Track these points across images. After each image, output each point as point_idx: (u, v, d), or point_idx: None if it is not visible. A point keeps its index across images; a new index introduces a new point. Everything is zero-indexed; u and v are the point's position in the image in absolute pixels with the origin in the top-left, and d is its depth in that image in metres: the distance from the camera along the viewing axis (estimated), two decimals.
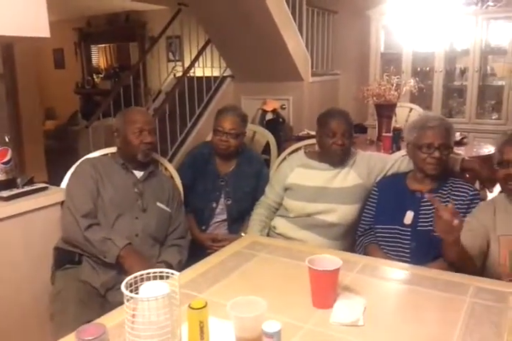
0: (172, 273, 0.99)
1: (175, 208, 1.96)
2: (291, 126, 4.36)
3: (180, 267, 1.73)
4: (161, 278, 1.02)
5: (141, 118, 1.91)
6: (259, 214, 2.11)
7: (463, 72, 4.54)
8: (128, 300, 0.95)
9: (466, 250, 1.49)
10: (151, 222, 1.85)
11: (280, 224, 2.08)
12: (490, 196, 1.86)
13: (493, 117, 4.44)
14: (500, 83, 4.38)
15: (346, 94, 5.09)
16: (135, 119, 1.90)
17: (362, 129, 4.57)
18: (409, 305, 1.31)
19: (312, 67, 4.71)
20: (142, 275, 1.00)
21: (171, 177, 2.15)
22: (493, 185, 1.86)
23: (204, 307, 0.94)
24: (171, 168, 2.20)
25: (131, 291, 0.97)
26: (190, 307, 0.94)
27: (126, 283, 0.97)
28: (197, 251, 1.98)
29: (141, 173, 1.93)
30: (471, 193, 1.77)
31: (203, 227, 2.22)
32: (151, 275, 1.00)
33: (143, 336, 0.93)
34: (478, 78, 4.39)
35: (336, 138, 1.97)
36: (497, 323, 1.16)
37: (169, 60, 6.30)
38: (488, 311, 1.22)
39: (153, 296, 0.91)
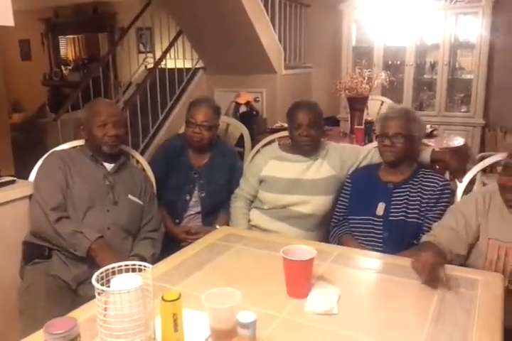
0: (145, 266, 0.97)
1: (147, 201, 1.93)
2: (265, 119, 4.35)
3: (154, 260, 1.70)
4: (134, 271, 1.00)
5: (106, 110, 1.86)
6: (239, 207, 2.11)
7: (433, 65, 4.62)
8: (99, 294, 0.93)
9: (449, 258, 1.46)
10: (123, 214, 1.82)
11: (255, 216, 2.08)
12: (460, 186, 1.90)
13: (462, 110, 4.53)
14: (468, 77, 4.48)
15: (319, 87, 5.10)
16: (99, 112, 1.85)
17: (335, 122, 4.60)
18: (383, 293, 1.33)
19: (285, 60, 4.70)
20: (114, 268, 0.98)
21: (143, 169, 2.11)
22: (463, 176, 1.91)
23: (177, 299, 0.93)
24: (143, 161, 2.16)
25: (102, 284, 0.95)
26: (163, 299, 0.93)
27: (97, 276, 0.95)
28: (171, 244, 1.95)
29: (112, 165, 1.89)
30: (441, 184, 1.80)
31: (177, 220, 2.19)
32: (123, 268, 0.98)
33: (115, 329, 0.91)
34: (448, 72, 4.47)
35: (302, 130, 1.99)
36: (468, 310, 1.19)
37: (140, 52, 6.19)
38: (459, 298, 1.25)
39: (125, 289, 0.89)
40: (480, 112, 4.36)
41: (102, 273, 0.97)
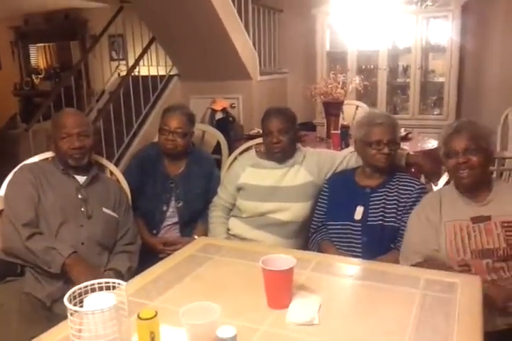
0: (119, 283, 0.94)
1: (122, 213, 1.89)
2: (242, 125, 4.33)
3: (131, 274, 1.67)
4: (108, 288, 0.97)
5: (69, 121, 1.81)
6: (217, 216, 2.08)
7: (405, 69, 4.69)
8: (72, 314, 0.89)
9: None
10: (98, 228, 1.77)
11: (234, 225, 2.06)
12: (435, 189, 1.92)
13: (435, 113, 4.61)
14: (441, 80, 4.56)
15: (295, 93, 5.12)
16: (62, 124, 1.81)
17: (311, 127, 4.62)
18: (363, 300, 1.32)
19: (260, 66, 4.71)
20: (87, 286, 0.95)
21: (117, 180, 2.07)
22: (438, 179, 1.93)
23: (154, 316, 0.90)
24: (117, 171, 2.12)
25: (75, 304, 0.91)
26: (139, 317, 0.90)
27: (70, 295, 0.91)
28: (148, 256, 1.91)
29: (84, 178, 1.84)
30: (417, 187, 1.82)
31: (154, 231, 2.15)
32: (96, 286, 0.95)
33: None
34: (420, 75, 4.54)
35: (272, 137, 1.98)
36: (448, 313, 1.19)
37: (112, 59, 6.11)
38: (438, 302, 1.25)
39: (98, 309, 0.86)
40: (453, 114, 4.44)
41: (74, 292, 0.93)
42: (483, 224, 1.56)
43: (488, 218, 1.57)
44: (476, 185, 1.60)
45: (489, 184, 1.63)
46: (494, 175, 2.24)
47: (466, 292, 1.30)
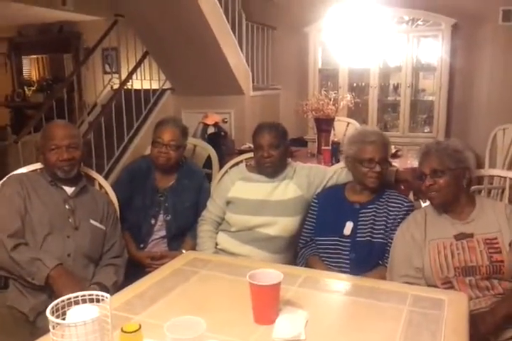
0: (103, 296, 0.93)
1: (110, 226, 1.87)
2: (233, 140, 4.35)
3: (116, 288, 1.64)
4: (92, 301, 0.96)
5: (58, 133, 1.80)
6: (206, 231, 2.07)
7: (396, 87, 4.76)
8: (54, 327, 0.87)
9: None
10: (84, 240, 1.75)
11: (222, 239, 2.04)
12: (423, 206, 1.93)
13: (425, 130, 4.66)
14: (431, 98, 4.62)
15: (287, 108, 5.16)
16: (52, 135, 1.80)
17: (303, 143, 4.65)
18: (350, 316, 1.31)
19: (253, 82, 4.75)
20: (70, 299, 0.93)
21: (106, 193, 2.06)
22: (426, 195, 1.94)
23: (137, 330, 0.88)
24: (106, 184, 2.10)
25: (58, 317, 0.90)
26: (122, 331, 0.88)
27: (53, 307, 0.90)
28: (135, 270, 1.89)
29: (72, 189, 1.83)
30: (406, 204, 1.83)
31: (141, 245, 2.13)
32: (80, 298, 0.93)
33: None
34: (411, 93, 4.60)
35: (263, 151, 1.99)
36: (434, 331, 1.18)
37: (105, 72, 6.12)
38: (425, 319, 1.24)
39: (81, 321, 0.84)
40: (442, 132, 4.49)
41: (57, 304, 0.92)
42: (466, 241, 1.57)
43: (471, 235, 1.57)
44: (449, 204, 1.62)
45: (472, 202, 1.65)
46: (482, 193, 2.26)
47: (453, 309, 1.30)
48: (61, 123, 1.96)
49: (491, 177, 3.30)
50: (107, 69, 6.18)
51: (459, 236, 1.58)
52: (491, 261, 1.52)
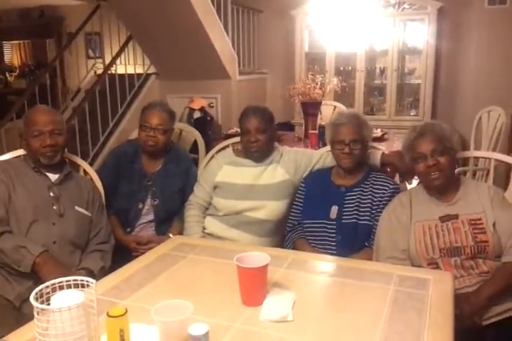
0: (88, 281, 0.92)
1: (96, 212, 1.86)
2: (220, 125, 4.32)
3: (104, 273, 1.64)
4: (77, 286, 0.95)
5: (41, 119, 1.77)
6: (193, 215, 2.06)
7: (382, 71, 4.75)
8: (38, 313, 0.87)
9: None
10: (70, 227, 1.73)
11: (210, 223, 2.04)
12: (409, 188, 1.94)
13: (411, 114, 4.68)
14: (417, 81, 4.64)
15: (274, 93, 5.14)
16: (34, 121, 1.77)
17: (290, 127, 4.64)
18: (337, 296, 1.33)
19: (239, 66, 4.70)
20: (55, 284, 0.92)
21: (91, 179, 2.04)
22: (412, 177, 1.95)
23: (124, 314, 0.88)
24: (90, 170, 2.08)
25: (42, 302, 0.89)
26: (108, 315, 0.88)
27: (37, 293, 0.89)
28: (122, 255, 1.88)
29: (56, 176, 1.80)
30: (391, 187, 1.84)
31: (128, 229, 2.12)
32: (65, 284, 0.92)
33: None
34: (397, 77, 4.61)
35: (250, 136, 1.98)
36: (419, 309, 1.20)
37: (89, 57, 6.01)
38: (410, 298, 1.26)
39: (65, 306, 0.83)
40: (428, 115, 4.51)
41: (41, 290, 0.91)
42: (450, 222, 1.59)
43: (456, 216, 1.59)
44: (446, 185, 1.62)
45: (457, 183, 1.66)
46: (468, 175, 2.28)
47: (438, 288, 1.31)
48: (44, 108, 1.92)
49: (476, 158, 3.34)
50: (91, 54, 6.08)
51: (444, 218, 1.60)
52: (476, 242, 1.54)
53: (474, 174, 3.11)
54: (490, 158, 2.00)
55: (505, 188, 1.85)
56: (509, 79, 3.92)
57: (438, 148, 1.59)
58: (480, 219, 1.57)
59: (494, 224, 1.55)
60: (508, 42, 3.89)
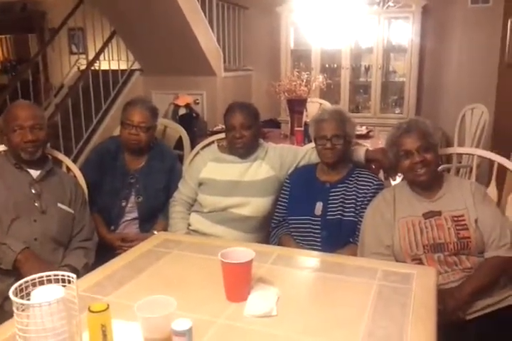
0: (69, 276, 0.90)
1: (78, 209, 1.83)
2: (206, 121, 4.30)
3: (87, 271, 1.61)
4: (58, 281, 0.93)
5: (22, 114, 1.74)
6: (178, 212, 2.05)
7: (367, 69, 4.77)
8: (18, 308, 0.85)
9: None
10: (52, 224, 1.71)
11: (195, 220, 2.03)
12: (394, 184, 1.95)
13: (396, 112, 4.71)
14: (401, 79, 4.66)
15: (259, 90, 5.13)
16: (14, 116, 1.74)
17: (275, 124, 4.64)
18: (322, 291, 1.33)
19: (224, 62, 4.68)
20: (34, 279, 0.90)
21: (74, 176, 2.01)
22: (396, 174, 1.96)
23: (105, 310, 0.87)
24: (73, 166, 2.05)
25: (22, 297, 0.87)
26: (90, 310, 0.87)
27: (16, 288, 0.87)
28: (105, 253, 1.86)
29: (38, 172, 1.77)
30: (375, 183, 1.85)
31: (112, 227, 2.10)
32: (45, 278, 0.91)
33: None
34: (382, 75, 4.63)
35: (235, 131, 1.97)
36: (403, 303, 1.21)
37: (72, 53, 5.93)
38: (395, 292, 1.27)
39: (45, 301, 0.82)
40: (412, 113, 4.54)
41: (21, 285, 0.89)
42: (434, 219, 1.60)
43: (439, 213, 1.60)
44: (430, 181, 1.64)
45: (440, 180, 1.68)
46: (451, 172, 2.30)
47: (422, 283, 1.32)
48: (24, 103, 1.89)
49: (460, 156, 3.39)
50: (74, 49, 6.00)
51: (428, 214, 1.61)
52: (459, 238, 1.55)
53: (458, 171, 3.14)
54: (473, 155, 2.02)
55: (487, 185, 1.87)
56: (492, 77, 3.97)
57: (424, 145, 1.61)
58: (462, 216, 1.58)
59: (476, 221, 1.57)
60: (491, 40, 3.94)
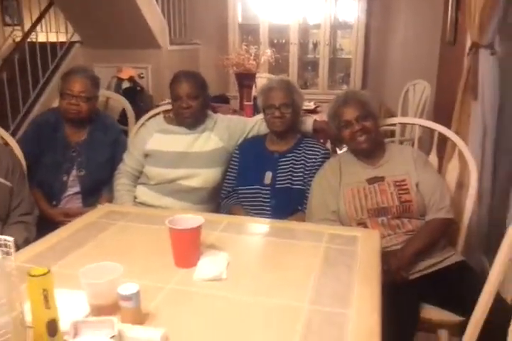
0: (5, 240, 0.85)
1: (16, 182, 1.73)
2: (151, 95, 4.18)
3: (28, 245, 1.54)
4: None
5: None
6: (123, 184, 1.99)
7: (315, 45, 4.79)
8: None
9: None
10: None
11: (141, 192, 1.98)
12: (339, 153, 1.99)
13: (343, 88, 4.78)
14: (348, 57, 4.72)
15: (207, 64, 5.01)
16: None
17: (224, 99, 4.57)
18: (271, 255, 1.34)
19: (170, 35, 4.54)
20: None
21: (11, 149, 1.90)
22: (342, 144, 1.99)
23: (46, 273, 0.83)
24: (10, 139, 1.94)
25: None
26: (29, 274, 0.82)
27: None
28: (47, 229, 1.77)
29: None
30: (322, 152, 1.88)
31: (54, 202, 2.01)
32: None
33: None
34: (329, 52, 4.67)
35: (181, 101, 1.92)
36: (349, 264, 1.24)
37: (6, 24, 5.57)
38: (341, 254, 1.30)
39: None
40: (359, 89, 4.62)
41: None
42: (377, 184, 1.65)
43: (382, 178, 1.66)
44: (372, 148, 1.69)
45: (382, 148, 1.73)
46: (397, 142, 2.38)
47: (366, 244, 1.37)
48: None
49: (403, 130, 3.49)
50: (8, 20, 5.63)
51: (371, 180, 1.67)
52: (401, 202, 1.61)
53: (401, 144, 3.25)
54: (415, 124, 2.08)
55: (428, 154, 1.94)
56: (435, 53, 4.08)
57: (362, 114, 1.66)
58: (404, 180, 1.64)
59: (417, 185, 1.63)
60: (434, 18, 4.03)
